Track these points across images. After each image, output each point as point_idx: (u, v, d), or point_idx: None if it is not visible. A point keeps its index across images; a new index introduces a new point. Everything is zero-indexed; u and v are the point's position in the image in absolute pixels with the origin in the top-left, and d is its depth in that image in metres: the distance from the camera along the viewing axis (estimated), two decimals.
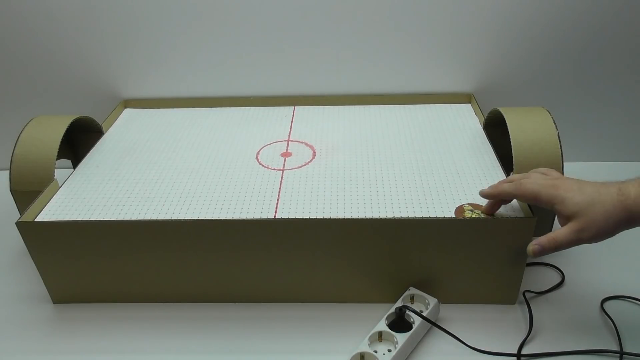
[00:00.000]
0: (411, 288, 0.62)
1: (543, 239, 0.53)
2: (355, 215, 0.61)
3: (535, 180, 0.54)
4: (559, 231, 0.52)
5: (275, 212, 0.62)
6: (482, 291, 0.63)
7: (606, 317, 0.61)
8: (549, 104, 0.75)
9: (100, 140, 0.81)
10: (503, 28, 0.83)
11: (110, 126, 0.86)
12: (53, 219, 0.63)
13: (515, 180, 0.56)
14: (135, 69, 0.90)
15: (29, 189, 0.68)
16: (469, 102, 0.89)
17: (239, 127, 0.84)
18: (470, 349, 0.58)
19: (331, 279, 0.63)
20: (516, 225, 0.57)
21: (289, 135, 0.81)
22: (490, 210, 0.59)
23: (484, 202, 0.60)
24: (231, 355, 0.59)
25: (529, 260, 0.68)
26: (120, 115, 0.90)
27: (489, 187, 0.58)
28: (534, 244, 0.54)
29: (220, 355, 0.59)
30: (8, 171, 0.69)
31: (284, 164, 0.73)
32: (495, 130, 0.76)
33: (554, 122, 0.68)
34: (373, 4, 0.82)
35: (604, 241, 0.73)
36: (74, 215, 0.63)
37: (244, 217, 0.62)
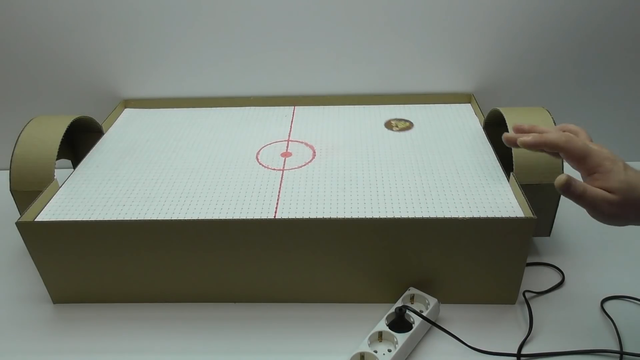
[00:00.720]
0: (411, 288, 0.62)
1: (578, 181, 0.49)
2: (355, 215, 0.61)
3: (585, 141, 0.51)
4: (594, 188, 0.49)
5: (275, 212, 0.63)
6: (482, 291, 0.63)
7: (606, 317, 0.61)
8: (549, 104, 0.75)
9: (100, 140, 0.81)
10: (503, 28, 0.83)
11: (110, 126, 0.86)
12: (53, 219, 0.63)
13: (560, 132, 0.52)
14: (135, 69, 0.90)
15: (29, 189, 0.68)
16: (469, 102, 0.89)
17: (239, 127, 0.84)
18: (470, 349, 0.57)
19: (331, 279, 0.63)
20: (516, 225, 0.57)
21: (289, 135, 0.81)
22: (512, 142, 0.54)
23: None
24: (231, 355, 0.59)
25: (529, 260, 0.68)
26: (120, 115, 0.90)
27: (530, 136, 0.52)
28: (569, 176, 0.49)
29: (220, 355, 0.59)
30: (8, 171, 0.69)
31: (284, 164, 0.73)
32: (495, 130, 0.76)
33: (554, 122, 0.68)
34: (373, 4, 0.82)
35: (604, 241, 0.73)
36: (74, 215, 0.63)
37: (244, 217, 0.62)
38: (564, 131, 0.54)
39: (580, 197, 0.49)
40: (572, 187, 0.49)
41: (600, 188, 0.49)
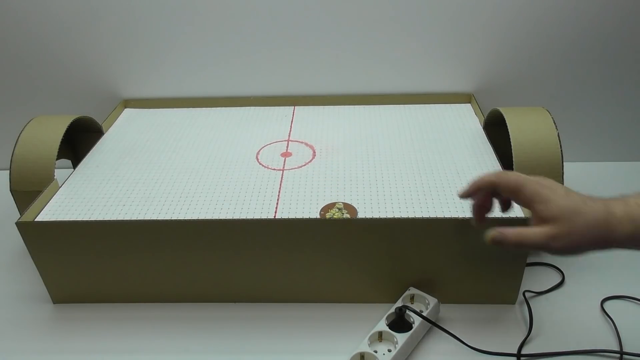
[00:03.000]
0: (411, 288, 0.62)
1: (509, 231, 0.47)
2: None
3: (521, 174, 0.50)
4: (530, 229, 0.47)
5: (275, 212, 0.63)
6: (482, 291, 0.63)
7: (606, 317, 0.61)
8: (549, 104, 0.75)
9: (100, 140, 0.81)
10: (503, 28, 0.83)
11: (110, 126, 0.86)
12: (53, 219, 0.63)
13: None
14: (135, 69, 0.90)
15: (29, 189, 0.68)
16: (469, 102, 0.89)
17: (239, 127, 0.84)
18: (470, 349, 0.58)
19: (331, 279, 0.63)
20: (516, 225, 0.57)
21: (289, 135, 0.81)
22: (478, 216, 0.53)
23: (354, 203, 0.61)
24: (231, 355, 0.59)
25: (529, 260, 0.68)
26: (120, 115, 0.90)
27: (466, 185, 0.52)
28: (497, 231, 0.48)
29: (220, 355, 0.59)
30: (8, 171, 0.69)
31: (284, 164, 0.73)
32: (495, 130, 0.76)
33: (554, 122, 0.68)
34: (373, 4, 0.82)
35: None
36: (74, 215, 0.63)
37: (244, 217, 0.62)
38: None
39: (521, 246, 0.47)
40: (505, 241, 0.47)
41: (542, 219, 0.46)
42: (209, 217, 0.62)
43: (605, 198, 0.47)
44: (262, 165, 0.73)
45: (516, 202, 0.50)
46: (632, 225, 0.45)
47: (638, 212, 0.45)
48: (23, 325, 0.64)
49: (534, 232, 0.46)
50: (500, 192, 0.50)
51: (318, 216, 0.61)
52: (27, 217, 0.62)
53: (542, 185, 0.47)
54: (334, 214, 0.60)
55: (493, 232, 0.48)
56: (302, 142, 0.79)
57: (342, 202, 0.62)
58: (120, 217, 0.63)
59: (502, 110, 0.71)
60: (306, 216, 0.61)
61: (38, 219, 0.63)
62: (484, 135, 0.78)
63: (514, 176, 0.49)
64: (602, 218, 0.45)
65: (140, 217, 0.63)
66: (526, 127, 0.67)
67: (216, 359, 0.59)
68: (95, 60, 0.89)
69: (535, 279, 0.67)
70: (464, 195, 0.52)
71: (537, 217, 0.47)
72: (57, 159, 0.69)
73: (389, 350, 0.55)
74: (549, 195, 0.46)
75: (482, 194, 0.52)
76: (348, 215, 0.61)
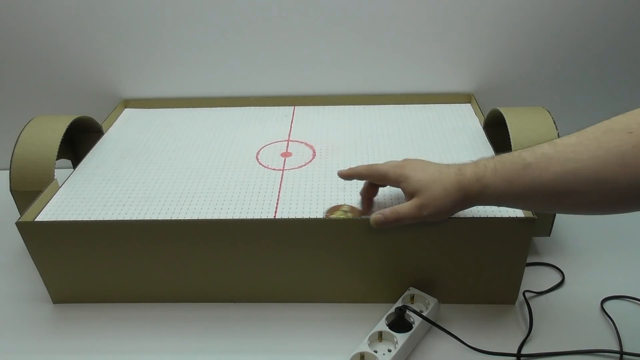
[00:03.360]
0: (411, 288, 0.62)
1: (387, 210, 0.54)
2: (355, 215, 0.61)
3: (387, 163, 0.58)
4: (402, 205, 0.54)
5: (275, 212, 0.62)
6: (482, 291, 0.63)
7: (606, 317, 0.61)
8: (549, 104, 0.75)
9: (100, 140, 0.81)
10: (503, 28, 0.83)
11: (110, 126, 0.86)
12: (53, 219, 0.63)
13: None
14: (136, 69, 0.90)
15: (29, 189, 0.68)
16: (469, 102, 0.89)
17: (239, 127, 0.84)
18: (470, 349, 0.57)
19: (331, 279, 0.63)
20: (516, 225, 0.57)
21: (289, 135, 0.81)
22: (366, 204, 0.62)
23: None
24: (231, 355, 0.59)
25: (529, 260, 0.68)
26: (120, 115, 0.90)
27: (344, 170, 0.61)
28: (377, 213, 0.55)
29: (220, 355, 0.59)
30: (8, 171, 0.69)
31: (284, 164, 0.73)
32: (495, 130, 0.76)
33: (554, 122, 0.68)
34: (373, 4, 0.82)
35: (604, 241, 0.73)
36: (74, 215, 0.63)
37: (244, 217, 0.62)
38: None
39: (399, 220, 0.54)
40: (387, 220, 0.54)
41: (409, 194, 0.54)
42: (209, 217, 0.62)
43: (461, 163, 0.53)
44: (262, 165, 0.73)
45: (391, 186, 0.58)
46: (479, 184, 0.50)
47: (484, 172, 0.50)
48: (23, 325, 0.64)
49: (406, 206, 0.53)
50: (372, 181, 0.60)
51: (319, 216, 0.61)
52: (27, 217, 0.62)
53: (402, 166, 0.55)
54: (339, 217, 0.60)
55: (375, 215, 0.55)
56: (302, 142, 0.79)
57: (349, 205, 0.62)
58: (120, 217, 0.63)
59: (502, 110, 0.71)
60: (306, 216, 0.61)
61: (38, 219, 0.63)
62: (484, 135, 0.78)
63: (379, 167, 0.58)
64: (454, 182, 0.51)
65: (140, 217, 0.63)
66: (526, 127, 0.67)
67: (216, 359, 0.59)
68: (95, 60, 0.89)
69: (535, 279, 0.67)
70: (342, 177, 0.61)
71: (406, 195, 0.55)
72: (57, 159, 0.69)
73: (389, 350, 0.55)
74: (408, 173, 0.54)
75: (365, 186, 0.61)
76: (352, 215, 0.61)
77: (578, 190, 0.45)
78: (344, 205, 0.63)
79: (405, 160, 0.57)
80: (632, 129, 0.43)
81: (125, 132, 0.84)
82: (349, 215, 0.61)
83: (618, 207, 0.45)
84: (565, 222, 0.77)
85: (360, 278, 0.63)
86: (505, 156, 0.50)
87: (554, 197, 0.47)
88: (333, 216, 0.61)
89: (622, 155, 0.42)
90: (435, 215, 0.53)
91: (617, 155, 0.43)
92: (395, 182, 0.56)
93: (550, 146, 0.47)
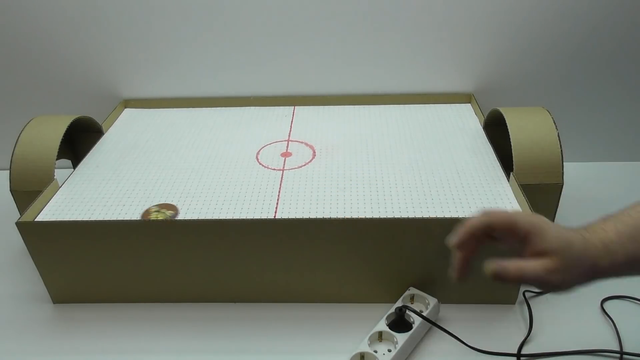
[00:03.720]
0: (411, 288, 0.62)
1: (510, 264, 0.43)
2: (355, 215, 0.61)
3: (506, 210, 0.47)
4: (529, 263, 0.43)
5: (275, 212, 0.62)
6: (482, 291, 0.63)
7: (606, 317, 0.61)
8: (549, 104, 0.75)
9: (100, 140, 0.81)
10: (503, 28, 0.83)
11: (110, 126, 0.86)
12: (53, 219, 0.63)
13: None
14: (135, 69, 0.90)
15: (29, 189, 0.68)
16: (469, 102, 0.89)
17: (239, 127, 0.84)
18: (470, 349, 0.57)
19: (331, 279, 0.63)
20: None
21: (289, 135, 0.81)
22: (463, 270, 0.47)
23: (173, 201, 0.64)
24: (231, 355, 0.59)
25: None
26: (120, 115, 0.90)
27: (456, 234, 0.46)
28: (498, 264, 0.43)
29: (220, 355, 0.59)
30: (8, 171, 0.69)
31: (284, 164, 0.73)
32: (495, 130, 0.76)
33: (554, 122, 0.68)
34: (373, 5, 0.82)
35: None
36: (74, 215, 0.63)
37: (244, 217, 0.62)
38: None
39: (520, 281, 0.43)
40: (505, 275, 0.43)
41: (537, 252, 0.43)
42: (209, 217, 0.62)
43: (580, 227, 0.45)
44: (262, 165, 0.73)
45: (507, 240, 0.46)
46: (607, 251, 0.44)
47: (604, 234, 0.43)
48: (23, 325, 0.64)
49: (533, 265, 0.43)
50: (495, 231, 0.45)
51: (319, 216, 0.61)
52: (27, 217, 0.62)
53: (534, 216, 0.45)
54: (157, 216, 0.61)
55: (494, 266, 0.44)
56: (302, 142, 0.79)
57: (156, 205, 0.63)
58: (120, 217, 0.63)
59: (502, 110, 0.71)
60: (306, 216, 0.61)
61: (38, 219, 0.63)
62: (484, 135, 0.78)
63: (502, 213, 0.45)
64: (602, 253, 0.44)
65: (140, 217, 0.63)
66: (526, 127, 0.67)
67: (216, 359, 0.59)
68: (95, 60, 0.89)
69: None
70: (459, 245, 0.46)
71: (532, 251, 0.44)
72: (57, 159, 0.69)
73: (389, 350, 0.55)
74: (543, 226, 0.44)
75: (472, 241, 0.46)
76: (170, 213, 0.62)
77: None
78: (151, 207, 0.64)
79: (529, 212, 0.47)
80: None
81: (125, 132, 0.84)
82: (164, 212, 0.61)
83: None
84: (565, 222, 0.76)
85: (360, 278, 0.63)
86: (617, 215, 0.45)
87: None
88: (152, 217, 0.61)
89: None
90: (563, 286, 0.44)
91: None
92: (524, 234, 0.44)
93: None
